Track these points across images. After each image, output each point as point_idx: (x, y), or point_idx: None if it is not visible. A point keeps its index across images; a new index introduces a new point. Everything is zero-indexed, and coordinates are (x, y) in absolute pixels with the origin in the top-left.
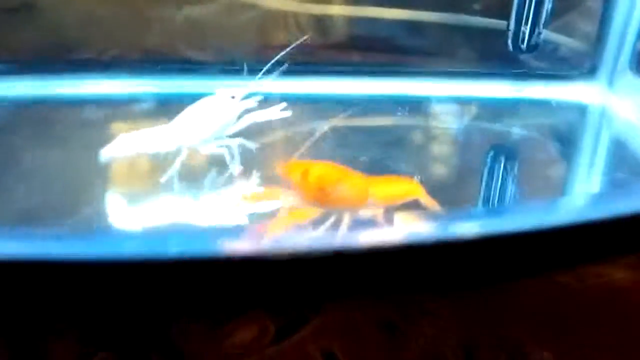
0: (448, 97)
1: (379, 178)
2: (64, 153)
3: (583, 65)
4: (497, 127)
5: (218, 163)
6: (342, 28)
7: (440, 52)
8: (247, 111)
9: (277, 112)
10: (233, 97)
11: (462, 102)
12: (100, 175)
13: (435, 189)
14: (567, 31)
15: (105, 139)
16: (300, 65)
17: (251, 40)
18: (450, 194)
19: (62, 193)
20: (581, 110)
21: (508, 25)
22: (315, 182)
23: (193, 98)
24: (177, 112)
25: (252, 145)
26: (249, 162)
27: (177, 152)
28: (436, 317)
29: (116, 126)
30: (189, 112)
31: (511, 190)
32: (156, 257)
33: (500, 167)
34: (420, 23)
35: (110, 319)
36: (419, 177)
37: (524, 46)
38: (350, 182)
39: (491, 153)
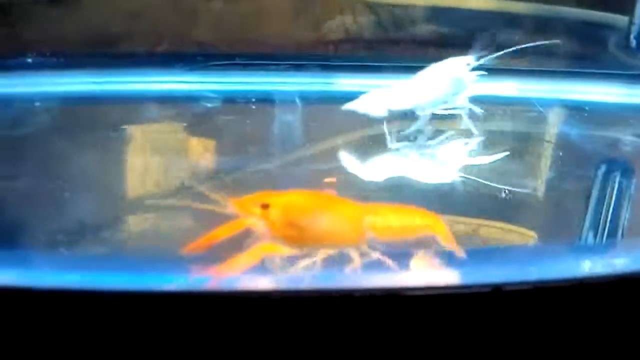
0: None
1: (384, 206)
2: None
3: None
4: (608, 134)
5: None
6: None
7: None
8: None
9: (509, 88)
10: (468, 65)
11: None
12: None
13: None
14: None
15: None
16: None
17: None
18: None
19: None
20: None
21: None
22: (280, 216)
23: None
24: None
25: (480, 111)
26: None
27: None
28: None
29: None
30: (424, 75)
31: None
32: None
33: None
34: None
35: None
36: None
37: None
38: (334, 213)
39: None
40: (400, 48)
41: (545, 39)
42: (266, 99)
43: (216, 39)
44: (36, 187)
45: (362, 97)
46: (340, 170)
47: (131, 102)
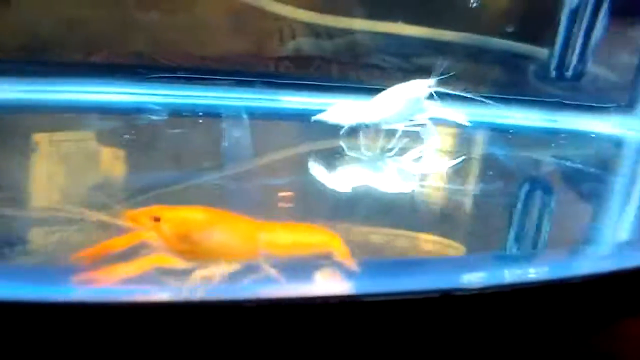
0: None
1: (282, 225)
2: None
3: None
4: (529, 155)
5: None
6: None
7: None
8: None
9: (459, 117)
10: (429, 87)
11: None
12: None
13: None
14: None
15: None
16: None
17: None
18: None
19: None
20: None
21: (551, 52)
22: (170, 229)
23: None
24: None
25: (436, 132)
26: None
27: (376, 126)
28: None
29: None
30: (389, 93)
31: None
32: None
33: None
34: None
35: None
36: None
37: (569, 74)
38: (227, 228)
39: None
40: (339, 68)
41: (476, 67)
42: (212, 113)
43: (156, 51)
44: None
45: (330, 109)
46: (290, 185)
47: (69, 112)
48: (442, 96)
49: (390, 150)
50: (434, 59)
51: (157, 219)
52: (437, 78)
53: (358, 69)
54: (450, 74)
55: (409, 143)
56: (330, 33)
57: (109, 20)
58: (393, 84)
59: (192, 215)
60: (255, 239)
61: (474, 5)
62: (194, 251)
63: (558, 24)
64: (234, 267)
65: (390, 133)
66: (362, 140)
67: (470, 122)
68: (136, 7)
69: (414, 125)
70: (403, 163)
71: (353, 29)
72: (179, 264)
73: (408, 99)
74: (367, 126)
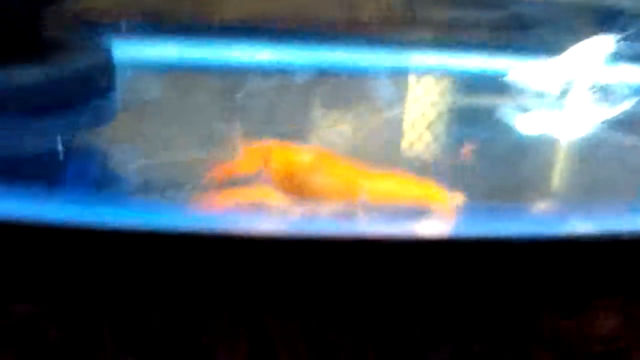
0: None
1: (388, 174)
2: None
3: None
4: None
5: None
6: None
7: None
8: None
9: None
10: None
11: None
12: None
13: None
14: None
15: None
16: None
17: None
18: None
19: None
20: None
21: None
22: (279, 169)
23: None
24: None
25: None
26: None
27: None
28: None
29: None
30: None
31: None
32: None
33: None
34: None
35: None
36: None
37: None
38: (331, 172)
39: None
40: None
41: None
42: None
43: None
44: None
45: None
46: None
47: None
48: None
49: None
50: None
51: (267, 157)
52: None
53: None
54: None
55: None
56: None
57: None
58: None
59: (299, 156)
60: (355, 185)
61: None
62: (298, 191)
63: None
64: (334, 209)
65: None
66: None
67: None
68: None
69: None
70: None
71: None
72: (283, 200)
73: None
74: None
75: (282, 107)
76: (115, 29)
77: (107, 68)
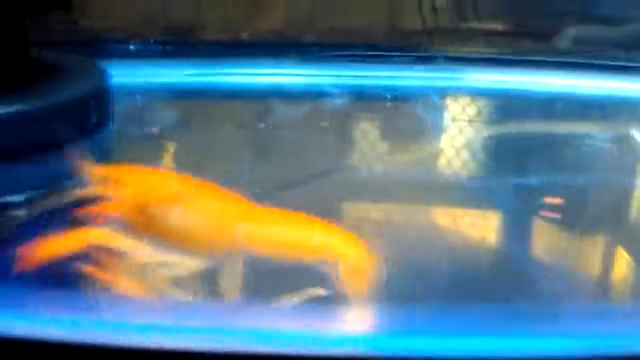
0: None
1: (278, 213)
2: None
3: None
4: None
5: None
6: None
7: None
8: None
9: None
10: None
11: None
12: None
13: None
14: None
15: None
16: None
17: None
18: None
19: None
20: None
21: None
22: (128, 195)
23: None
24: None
25: None
26: None
27: None
28: None
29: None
30: None
31: None
32: None
33: None
34: None
35: None
36: None
37: None
38: (200, 205)
39: None
40: None
41: None
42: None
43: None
44: None
45: None
46: None
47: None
48: None
49: None
50: None
51: (120, 181)
52: None
53: None
54: None
55: None
56: None
57: None
58: None
59: (158, 182)
60: (231, 226)
61: None
62: (149, 228)
63: None
64: (203, 262)
65: None
66: None
67: None
68: None
69: None
70: None
71: None
72: (124, 243)
73: None
74: None
75: None
76: None
77: None
